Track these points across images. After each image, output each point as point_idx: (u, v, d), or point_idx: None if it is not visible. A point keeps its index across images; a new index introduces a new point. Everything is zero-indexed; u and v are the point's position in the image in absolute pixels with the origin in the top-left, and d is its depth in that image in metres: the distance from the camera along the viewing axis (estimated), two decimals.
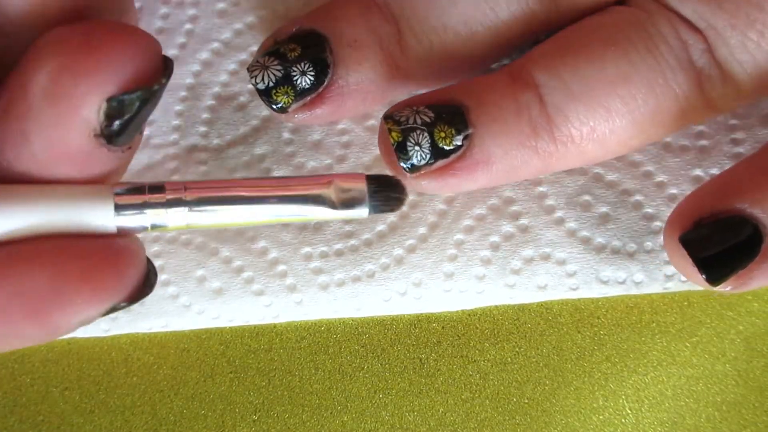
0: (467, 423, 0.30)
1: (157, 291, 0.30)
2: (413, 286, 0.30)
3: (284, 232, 0.31)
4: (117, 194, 0.22)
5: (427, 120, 0.27)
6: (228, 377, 0.31)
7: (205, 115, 0.32)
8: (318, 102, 0.28)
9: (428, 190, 0.28)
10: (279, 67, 0.28)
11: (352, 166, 0.32)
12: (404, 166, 0.27)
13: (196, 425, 0.30)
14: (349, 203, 0.24)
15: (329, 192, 0.24)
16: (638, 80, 0.26)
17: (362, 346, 0.31)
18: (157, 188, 0.23)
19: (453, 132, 0.27)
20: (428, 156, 0.27)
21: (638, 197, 0.31)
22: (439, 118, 0.27)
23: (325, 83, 0.28)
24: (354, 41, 0.28)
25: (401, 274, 0.30)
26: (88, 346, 0.31)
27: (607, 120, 0.27)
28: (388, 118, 0.27)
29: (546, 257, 0.30)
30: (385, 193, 0.25)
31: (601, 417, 0.30)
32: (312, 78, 0.28)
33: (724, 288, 0.25)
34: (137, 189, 0.23)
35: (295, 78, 0.28)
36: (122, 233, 0.22)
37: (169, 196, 0.23)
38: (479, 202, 0.31)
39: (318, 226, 0.31)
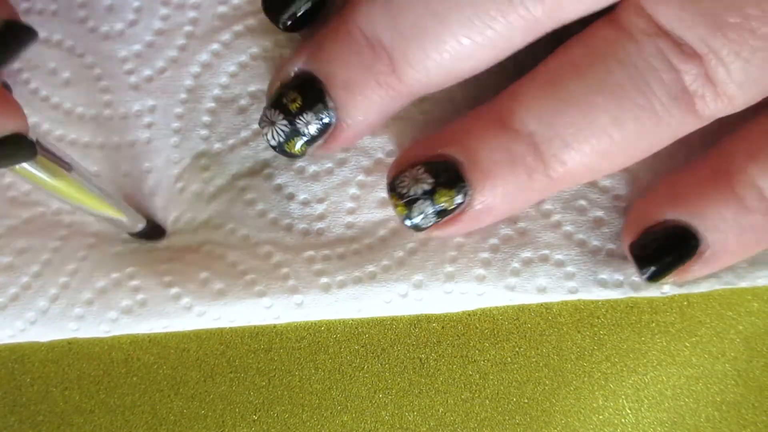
0: (467, 423, 0.30)
1: (160, 292, 0.31)
2: (414, 288, 0.30)
3: (288, 237, 0.31)
4: None
5: (427, 188, 0.28)
6: (228, 377, 0.31)
7: (206, 118, 0.32)
8: (330, 142, 0.29)
9: (438, 238, 0.30)
10: (284, 122, 0.29)
11: (352, 169, 0.32)
12: (411, 227, 0.28)
13: (196, 425, 0.30)
14: None
15: None
16: (631, 123, 0.27)
17: (362, 346, 0.31)
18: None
19: (453, 194, 0.28)
20: (433, 219, 0.28)
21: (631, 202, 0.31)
22: (438, 184, 0.28)
23: (331, 126, 0.29)
24: (347, 81, 0.28)
25: (402, 275, 0.31)
26: (88, 346, 0.31)
27: (602, 160, 0.27)
28: (391, 191, 0.29)
29: (545, 259, 0.30)
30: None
31: (601, 417, 0.30)
32: (317, 125, 0.29)
33: (665, 282, 0.29)
34: None
35: (301, 129, 0.29)
36: None
37: None
38: None
39: (321, 232, 0.31)
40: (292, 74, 0.29)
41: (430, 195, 0.28)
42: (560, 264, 0.30)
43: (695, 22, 0.26)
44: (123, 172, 0.32)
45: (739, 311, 0.30)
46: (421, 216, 0.28)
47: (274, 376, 0.31)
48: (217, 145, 0.32)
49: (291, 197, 0.32)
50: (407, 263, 0.31)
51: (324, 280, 0.31)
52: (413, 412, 0.30)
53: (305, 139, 0.29)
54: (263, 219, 0.31)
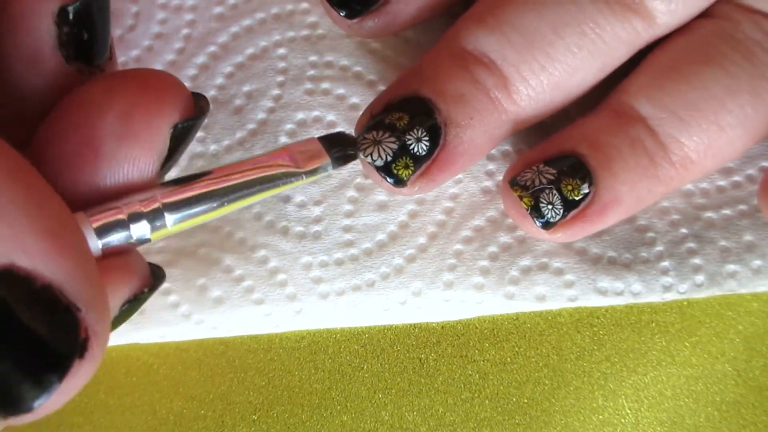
0: (467, 423, 0.30)
1: (158, 299, 0.30)
2: (413, 296, 0.30)
3: (284, 241, 0.31)
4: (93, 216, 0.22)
5: (552, 178, 0.27)
6: (228, 377, 0.30)
7: None
8: (435, 167, 0.28)
9: (562, 240, 0.29)
10: (392, 139, 0.27)
11: (350, 171, 0.32)
12: (540, 224, 0.27)
13: (196, 425, 0.30)
14: (312, 166, 0.24)
15: (291, 162, 0.24)
16: (743, 90, 0.27)
17: (362, 346, 0.31)
18: (131, 203, 0.22)
19: (578, 182, 0.27)
20: (562, 211, 0.27)
21: None
22: (562, 173, 0.27)
23: (440, 145, 0.27)
24: (461, 96, 0.27)
25: (401, 283, 0.30)
26: None
27: (720, 135, 0.27)
28: (514, 184, 0.28)
29: (544, 267, 0.30)
30: (339, 148, 0.25)
31: (600, 417, 0.29)
32: (427, 143, 0.27)
33: None
34: (111, 208, 0.22)
35: (411, 147, 0.27)
36: (108, 253, 0.22)
37: (146, 208, 0.22)
38: (478, 214, 0.31)
39: (317, 235, 0.31)
40: (391, 98, 0.28)
41: (555, 185, 0.27)
42: (559, 272, 0.30)
43: None
44: None
45: (739, 311, 0.30)
46: (550, 207, 0.27)
47: (274, 376, 0.30)
48: (213, 147, 0.32)
49: (287, 199, 0.31)
50: (406, 271, 0.31)
51: (322, 287, 0.30)
52: (413, 412, 0.30)
53: (414, 157, 0.27)
54: (259, 222, 0.31)
